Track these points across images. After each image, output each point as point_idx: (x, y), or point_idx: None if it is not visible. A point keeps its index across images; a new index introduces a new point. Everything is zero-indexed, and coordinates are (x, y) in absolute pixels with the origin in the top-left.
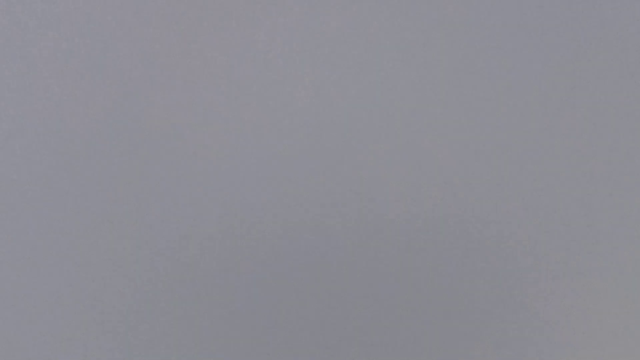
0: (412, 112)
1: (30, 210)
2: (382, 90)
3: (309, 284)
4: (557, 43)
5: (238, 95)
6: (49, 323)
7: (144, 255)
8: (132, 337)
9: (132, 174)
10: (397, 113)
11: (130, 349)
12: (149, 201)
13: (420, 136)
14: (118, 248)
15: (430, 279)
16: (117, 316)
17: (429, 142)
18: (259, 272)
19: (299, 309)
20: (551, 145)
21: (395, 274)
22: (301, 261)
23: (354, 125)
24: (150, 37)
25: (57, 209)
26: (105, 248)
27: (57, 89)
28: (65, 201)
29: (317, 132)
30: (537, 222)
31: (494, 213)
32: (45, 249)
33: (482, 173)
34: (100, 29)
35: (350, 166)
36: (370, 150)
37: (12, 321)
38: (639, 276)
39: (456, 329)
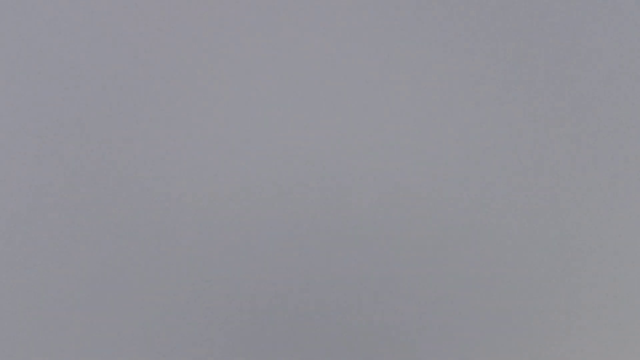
0: (409, 114)
1: (24, 211)
2: (380, 100)
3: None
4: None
5: (236, 98)
6: (43, 323)
7: (139, 257)
8: (126, 338)
9: (127, 177)
10: (394, 118)
11: (123, 349)
12: (144, 204)
13: (417, 134)
14: (113, 250)
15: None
16: (109, 318)
17: (424, 138)
18: (256, 276)
19: (294, 314)
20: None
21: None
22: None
23: (354, 135)
24: (148, 37)
25: (55, 210)
26: (101, 249)
27: (54, 88)
28: (65, 202)
29: (315, 138)
30: (533, 229)
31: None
32: (40, 249)
33: (480, 181)
34: (99, 28)
35: (348, 171)
36: (365, 154)
37: (11, 321)
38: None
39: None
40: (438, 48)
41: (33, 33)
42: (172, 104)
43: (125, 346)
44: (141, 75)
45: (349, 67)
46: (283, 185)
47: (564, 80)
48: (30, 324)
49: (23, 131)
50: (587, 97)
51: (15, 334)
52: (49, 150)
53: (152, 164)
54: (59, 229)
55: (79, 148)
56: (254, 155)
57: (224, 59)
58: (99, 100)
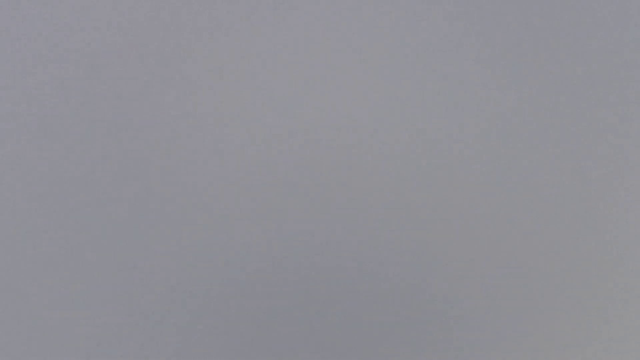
0: (413, 112)
1: (27, 211)
2: (381, 96)
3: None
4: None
5: (237, 97)
6: (45, 323)
7: (141, 258)
8: (128, 339)
9: (129, 177)
10: (398, 115)
11: (125, 350)
12: (146, 204)
13: (418, 125)
14: (115, 250)
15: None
16: (112, 318)
17: (426, 131)
18: (257, 276)
19: (296, 313)
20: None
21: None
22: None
23: (353, 130)
24: (148, 37)
25: (56, 210)
26: (103, 250)
27: (55, 88)
28: (67, 202)
29: (315, 134)
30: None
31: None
32: (41, 249)
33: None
34: (100, 28)
35: (349, 167)
36: (367, 151)
37: (12, 321)
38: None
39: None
40: (450, 15)
41: (30, 33)
42: (169, 106)
43: (126, 340)
44: (149, 55)
45: (350, 33)
46: (284, 181)
47: (569, 37)
48: (30, 320)
49: (19, 130)
50: (589, 54)
51: (14, 330)
52: (48, 150)
53: (158, 152)
54: (57, 223)
55: (79, 139)
56: (253, 150)
57: (239, 27)
58: (101, 90)
